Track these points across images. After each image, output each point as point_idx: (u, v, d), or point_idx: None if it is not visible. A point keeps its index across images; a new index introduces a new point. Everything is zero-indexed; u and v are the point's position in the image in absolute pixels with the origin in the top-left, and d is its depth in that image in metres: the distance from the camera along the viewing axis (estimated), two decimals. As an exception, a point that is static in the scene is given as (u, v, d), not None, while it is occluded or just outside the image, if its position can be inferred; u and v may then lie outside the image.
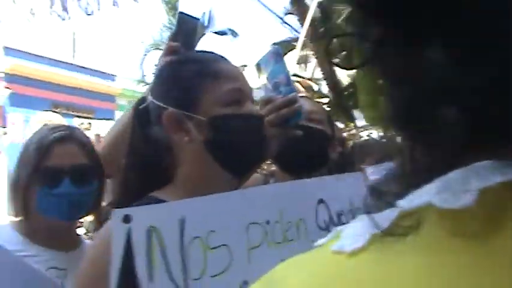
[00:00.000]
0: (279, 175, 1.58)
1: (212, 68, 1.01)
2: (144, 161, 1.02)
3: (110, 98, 19.39)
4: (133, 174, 1.03)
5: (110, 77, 20.13)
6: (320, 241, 0.40)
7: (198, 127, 0.97)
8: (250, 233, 0.83)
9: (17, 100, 16.41)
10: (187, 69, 1.01)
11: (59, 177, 1.34)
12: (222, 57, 1.07)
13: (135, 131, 1.06)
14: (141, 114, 1.05)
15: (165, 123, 0.98)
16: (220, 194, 0.91)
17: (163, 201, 0.94)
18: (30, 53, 17.26)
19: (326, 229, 0.95)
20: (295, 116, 1.28)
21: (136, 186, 1.01)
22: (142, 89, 15.65)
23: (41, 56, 17.63)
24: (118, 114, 18.56)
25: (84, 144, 1.42)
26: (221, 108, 0.97)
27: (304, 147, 1.45)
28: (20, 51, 16.89)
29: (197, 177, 1.00)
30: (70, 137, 1.40)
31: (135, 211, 0.66)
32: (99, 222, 1.43)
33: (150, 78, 13.92)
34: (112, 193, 1.58)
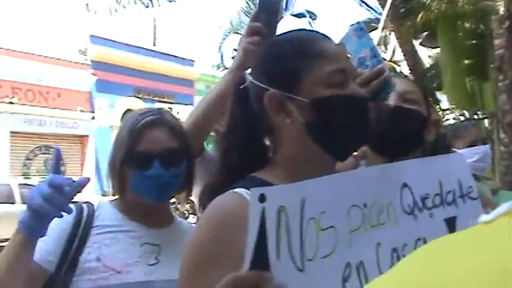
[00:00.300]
0: (371, 157, 1.52)
1: (315, 48, 0.97)
2: (244, 142, 1.02)
3: (188, 83, 19.92)
4: (232, 154, 1.02)
5: (189, 62, 20.64)
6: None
7: (300, 109, 0.94)
8: (351, 216, 0.82)
9: (103, 86, 17.28)
10: (290, 49, 0.98)
11: (149, 161, 1.38)
12: (325, 36, 1.03)
13: (235, 111, 1.05)
14: (241, 94, 1.03)
15: (266, 105, 0.96)
16: (333, 175, 0.89)
17: (266, 182, 0.93)
18: (114, 41, 18.04)
19: (411, 213, 0.93)
20: (385, 88, 1.21)
21: (236, 167, 1.00)
22: (221, 74, 15.91)
23: (124, 43, 18.38)
24: (197, 99, 19.00)
25: (173, 127, 1.45)
26: (324, 90, 0.94)
27: (399, 129, 1.38)
28: (105, 39, 17.70)
29: (298, 159, 0.98)
30: (159, 121, 1.44)
31: (268, 191, 0.67)
32: (188, 202, 1.47)
33: (229, 63, 14.11)
34: (203, 173, 1.61)
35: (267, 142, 1.04)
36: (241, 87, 1.04)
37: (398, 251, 0.87)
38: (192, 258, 0.89)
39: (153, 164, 1.38)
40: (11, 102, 14.76)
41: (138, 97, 17.66)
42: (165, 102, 18.13)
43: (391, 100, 1.36)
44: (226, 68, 14.18)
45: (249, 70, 1.08)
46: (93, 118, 16.79)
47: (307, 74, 0.95)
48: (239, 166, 1.00)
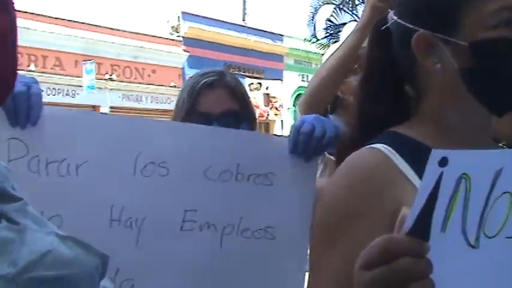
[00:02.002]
0: None
1: None
2: (383, 90, 0.90)
3: (278, 57, 19.83)
4: (369, 105, 0.91)
5: (278, 37, 20.52)
6: None
7: (455, 53, 0.81)
8: None
9: (195, 62, 17.66)
10: None
11: (208, 123, 1.36)
12: None
13: (373, 57, 0.93)
14: (381, 37, 0.91)
15: (414, 47, 0.83)
16: None
17: (410, 138, 0.83)
18: (205, 17, 18.32)
19: None
20: None
21: (372, 120, 0.90)
22: (311, 47, 15.63)
23: (215, 19, 18.61)
24: (286, 74, 18.91)
25: (233, 88, 1.43)
26: (487, 31, 0.79)
27: None
28: (196, 15, 18.02)
29: (448, 112, 0.85)
30: (219, 82, 1.42)
31: (452, 155, 0.59)
32: None
33: (321, 35, 13.82)
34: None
35: (410, 91, 0.92)
36: (382, 28, 0.91)
37: None
38: (330, 218, 0.81)
39: (212, 125, 1.36)
40: (110, 79, 15.53)
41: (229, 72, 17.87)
42: (255, 77, 18.23)
43: None
44: (318, 40, 13.92)
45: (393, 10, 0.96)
46: (185, 94, 17.26)
47: (466, 11, 0.81)
48: (377, 118, 0.89)
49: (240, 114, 1.42)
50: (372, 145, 0.82)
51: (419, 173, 0.68)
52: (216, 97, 1.40)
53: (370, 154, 0.81)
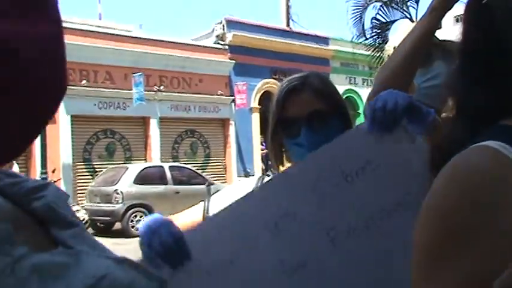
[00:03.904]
0: None
1: None
2: (486, 77, 0.75)
3: (323, 61, 19.64)
4: (471, 96, 0.77)
5: (323, 40, 20.33)
6: None
7: None
8: None
9: (241, 69, 17.73)
10: None
11: (297, 127, 1.38)
12: None
13: (472, 38, 0.79)
14: (479, 15, 0.78)
15: None
16: None
17: None
18: (249, 24, 18.38)
19: None
20: None
21: (477, 112, 0.76)
22: (358, 49, 15.31)
23: (259, 26, 18.63)
24: (332, 77, 18.69)
25: (318, 90, 1.41)
26: None
27: None
28: (240, 23, 18.11)
29: None
30: (302, 85, 1.41)
31: None
32: None
33: (368, 34, 13.44)
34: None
35: None
36: (483, 2, 0.77)
37: None
38: (433, 235, 0.67)
39: (301, 130, 1.37)
40: (158, 90, 15.79)
41: (275, 78, 17.81)
42: (301, 82, 18.07)
43: None
44: (366, 39, 13.54)
45: None
46: (233, 101, 17.34)
47: None
48: (481, 111, 0.75)
49: (328, 113, 1.40)
50: (484, 143, 0.67)
51: None
52: (301, 100, 1.40)
53: (483, 154, 0.66)
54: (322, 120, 1.38)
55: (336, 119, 1.41)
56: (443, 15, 1.39)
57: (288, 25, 20.33)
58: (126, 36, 15.81)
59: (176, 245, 1.17)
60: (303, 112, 1.37)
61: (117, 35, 15.56)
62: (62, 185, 12.60)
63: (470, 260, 0.61)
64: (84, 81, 14.25)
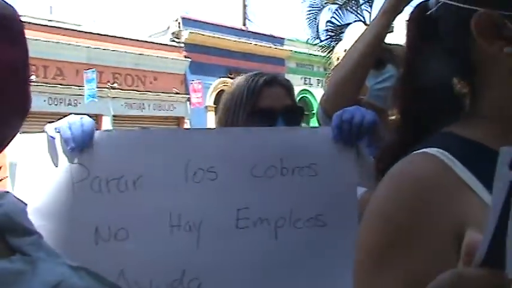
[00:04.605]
0: None
1: None
2: (429, 86, 0.77)
3: (279, 61, 19.75)
4: (414, 103, 0.79)
5: (279, 40, 20.45)
6: None
7: None
8: None
9: (196, 68, 17.60)
10: None
11: (273, 117, 1.43)
12: None
13: (415, 48, 0.81)
14: (424, 25, 0.79)
15: (475, 31, 0.70)
16: None
17: (469, 140, 0.70)
18: (205, 22, 18.26)
19: None
20: None
21: (419, 119, 0.78)
22: (313, 50, 15.47)
23: (215, 24, 18.54)
24: (288, 77, 18.83)
25: (288, 87, 1.51)
26: None
27: None
28: (196, 21, 17.96)
29: None
30: (276, 80, 1.50)
31: None
32: None
33: (323, 36, 13.63)
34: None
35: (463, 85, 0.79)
36: (424, 15, 0.78)
37: None
38: (380, 236, 0.68)
39: (277, 120, 1.43)
40: (112, 87, 15.47)
41: (230, 77, 17.79)
42: (257, 81, 18.11)
43: None
44: (321, 41, 13.72)
45: None
46: (188, 100, 17.19)
47: None
48: (424, 118, 0.77)
49: (298, 110, 1.53)
50: (424, 149, 0.69)
51: (486, 182, 0.57)
52: (277, 94, 1.47)
53: (423, 161, 0.68)
54: (294, 114, 1.48)
55: (301, 116, 1.53)
56: (395, 18, 1.42)
57: (244, 24, 20.34)
58: (78, 31, 15.37)
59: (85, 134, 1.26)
60: (278, 104, 1.45)
61: (68, 29, 15.11)
62: (8, 184, 12.13)
63: (408, 260, 0.63)
64: (33, 77, 13.77)
